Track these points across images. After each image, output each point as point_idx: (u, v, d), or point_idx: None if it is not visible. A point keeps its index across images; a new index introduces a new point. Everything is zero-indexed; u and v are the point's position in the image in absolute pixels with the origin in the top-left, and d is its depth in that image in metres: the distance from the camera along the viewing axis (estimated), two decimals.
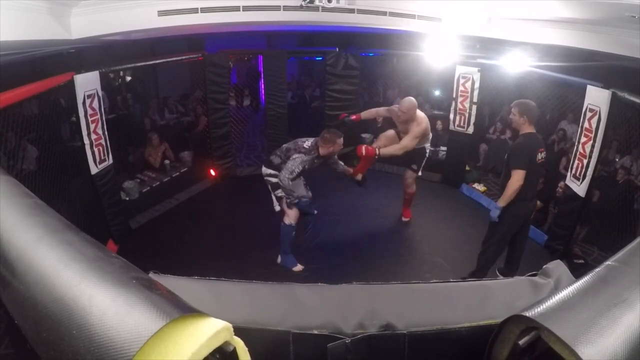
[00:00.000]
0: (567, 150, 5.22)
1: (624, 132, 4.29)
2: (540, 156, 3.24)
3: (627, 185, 4.21)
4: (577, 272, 0.79)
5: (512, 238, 3.52)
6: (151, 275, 0.78)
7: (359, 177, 4.23)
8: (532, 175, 3.24)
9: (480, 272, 3.63)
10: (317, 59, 7.50)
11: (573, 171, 4.00)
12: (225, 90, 5.63)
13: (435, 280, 0.95)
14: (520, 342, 0.61)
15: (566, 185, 4.13)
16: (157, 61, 5.16)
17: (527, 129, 3.23)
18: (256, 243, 4.28)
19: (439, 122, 6.34)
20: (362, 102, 6.99)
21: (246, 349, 0.60)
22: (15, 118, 3.23)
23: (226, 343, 0.55)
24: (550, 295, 0.64)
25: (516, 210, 3.33)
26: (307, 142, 3.79)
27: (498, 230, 3.45)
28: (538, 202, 4.68)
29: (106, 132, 4.10)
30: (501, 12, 3.91)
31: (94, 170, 3.96)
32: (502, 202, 3.29)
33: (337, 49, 5.93)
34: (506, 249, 3.62)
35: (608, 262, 0.70)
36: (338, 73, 5.95)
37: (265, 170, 3.82)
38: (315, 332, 0.74)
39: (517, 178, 3.17)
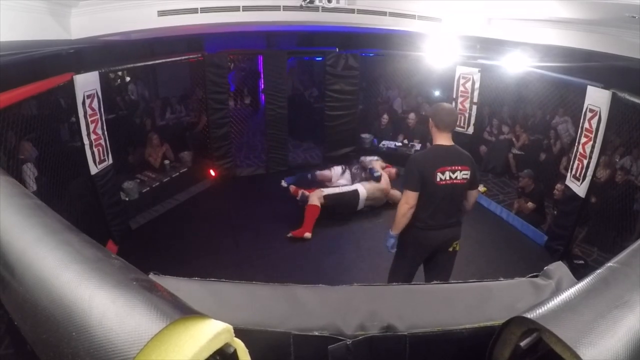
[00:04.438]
0: (566, 148, 5.23)
1: (624, 132, 4.29)
2: (445, 176, 2.46)
3: (627, 186, 4.21)
4: (577, 272, 0.79)
5: (428, 273, 2.80)
6: (151, 276, 0.78)
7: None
8: (432, 200, 2.50)
9: None
10: (317, 59, 7.50)
11: (573, 172, 4.00)
12: (225, 91, 5.63)
13: (435, 281, 0.95)
14: (522, 343, 0.61)
15: (566, 186, 4.12)
16: (157, 61, 5.16)
17: (437, 138, 2.57)
18: (256, 243, 4.28)
19: None
20: (362, 102, 7.00)
21: (247, 350, 0.60)
22: (15, 118, 3.22)
23: (227, 345, 0.55)
24: (551, 297, 0.64)
25: (413, 239, 2.62)
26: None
27: (394, 260, 2.81)
28: (530, 204, 4.69)
29: (106, 132, 4.10)
30: (501, 13, 3.91)
31: (93, 170, 3.96)
32: (394, 229, 2.60)
33: (337, 49, 5.93)
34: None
35: (609, 264, 0.70)
36: (338, 73, 5.95)
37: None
38: (316, 333, 0.74)
39: (404, 199, 2.51)
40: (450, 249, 2.70)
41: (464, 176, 2.51)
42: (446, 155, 2.54)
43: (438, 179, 2.46)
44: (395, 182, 5.10)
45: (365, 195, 4.80)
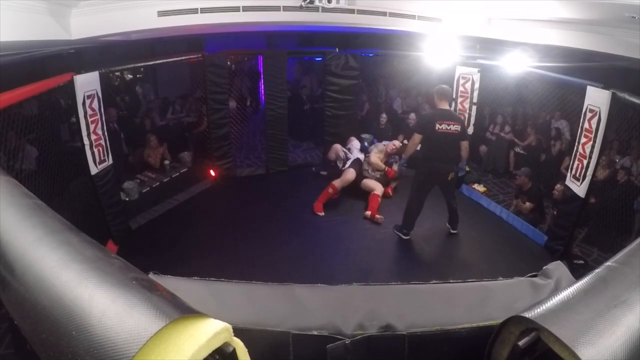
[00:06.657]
0: (564, 149, 5.22)
1: (624, 132, 4.29)
2: (442, 127, 3.90)
3: (627, 186, 4.21)
4: (577, 272, 0.79)
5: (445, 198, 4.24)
6: (151, 275, 0.78)
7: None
8: (432, 141, 3.94)
9: (404, 226, 4.31)
10: (317, 59, 7.51)
11: (573, 172, 3.99)
12: (225, 91, 5.63)
13: (435, 281, 0.95)
14: (520, 343, 0.61)
15: (566, 186, 4.12)
16: (157, 61, 5.15)
17: (438, 104, 4.02)
18: (256, 243, 4.28)
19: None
20: (361, 102, 7.00)
21: (246, 349, 0.60)
22: (15, 118, 3.22)
23: (226, 344, 0.55)
24: (550, 296, 0.64)
25: (420, 168, 4.11)
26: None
27: (410, 193, 4.21)
28: (528, 203, 4.68)
29: (106, 133, 4.10)
30: (501, 13, 3.91)
31: (93, 170, 3.96)
32: (405, 155, 4.29)
33: (337, 49, 5.93)
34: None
35: (608, 263, 0.70)
36: (338, 73, 5.96)
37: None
38: (315, 333, 0.74)
39: (412, 139, 4.06)
40: (449, 178, 4.09)
41: (456, 128, 3.96)
42: (444, 114, 4.00)
43: (437, 127, 3.91)
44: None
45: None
